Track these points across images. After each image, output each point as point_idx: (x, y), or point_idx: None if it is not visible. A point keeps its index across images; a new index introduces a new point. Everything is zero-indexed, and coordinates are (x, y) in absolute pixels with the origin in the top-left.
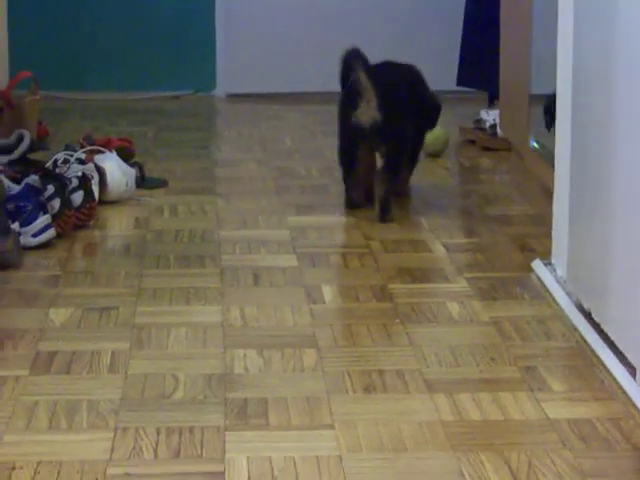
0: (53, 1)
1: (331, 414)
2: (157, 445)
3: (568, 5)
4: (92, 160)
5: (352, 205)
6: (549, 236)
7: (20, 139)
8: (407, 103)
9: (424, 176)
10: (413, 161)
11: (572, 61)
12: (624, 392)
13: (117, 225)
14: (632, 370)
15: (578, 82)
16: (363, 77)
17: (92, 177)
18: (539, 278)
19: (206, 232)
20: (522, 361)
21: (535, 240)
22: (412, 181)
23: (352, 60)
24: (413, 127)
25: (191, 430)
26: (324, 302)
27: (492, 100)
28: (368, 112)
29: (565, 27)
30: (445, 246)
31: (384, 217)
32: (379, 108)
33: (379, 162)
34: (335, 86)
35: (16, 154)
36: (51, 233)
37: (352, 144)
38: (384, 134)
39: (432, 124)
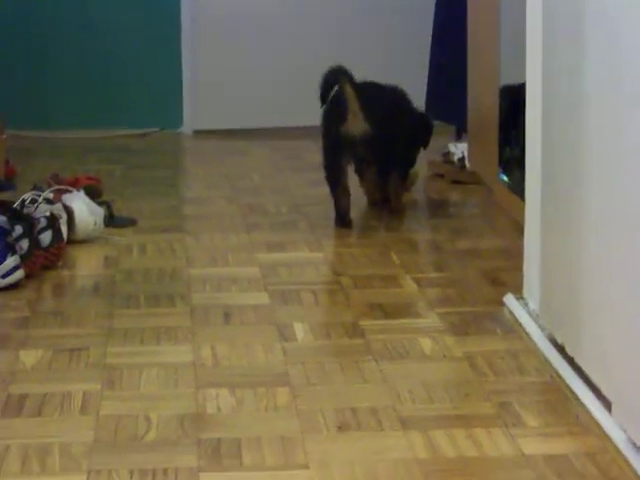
0: (18, 40)
1: (305, 453)
2: None
3: (536, 39)
4: (60, 199)
5: (343, 223)
6: (520, 269)
7: None
8: (392, 115)
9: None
10: (403, 178)
11: (541, 94)
12: (599, 426)
13: (86, 265)
14: (607, 404)
15: (547, 114)
16: (349, 90)
17: (60, 217)
18: (511, 312)
19: (176, 271)
20: (496, 397)
21: (506, 274)
22: (381, 214)
23: (336, 75)
24: (401, 141)
25: (165, 472)
26: (296, 340)
27: (460, 133)
28: (357, 124)
29: (533, 62)
30: (416, 281)
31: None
32: (367, 119)
33: (370, 173)
34: (301, 121)
35: None
36: (20, 274)
37: (338, 157)
38: (374, 145)
39: (424, 143)
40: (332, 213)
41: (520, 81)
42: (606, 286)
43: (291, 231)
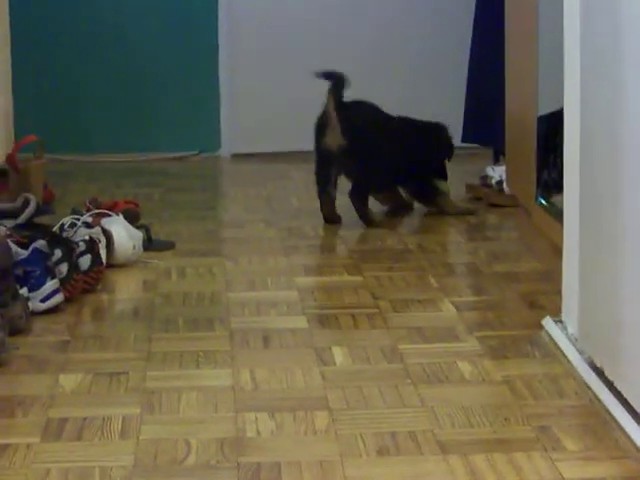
0: (57, 65)
1: (345, 478)
2: None
3: (575, 60)
4: (99, 223)
5: (327, 220)
6: (558, 293)
7: (26, 203)
8: (373, 130)
9: (431, 234)
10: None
11: (580, 116)
12: (639, 450)
13: (125, 288)
14: None
15: (586, 137)
16: (330, 106)
17: (99, 241)
18: (550, 336)
19: (214, 294)
20: (535, 420)
21: (544, 297)
22: (419, 237)
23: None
24: (389, 154)
25: None
26: (335, 364)
27: (497, 156)
28: (334, 137)
29: (572, 84)
30: (454, 305)
31: (367, 225)
32: (343, 133)
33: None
34: None
35: (22, 218)
36: (59, 298)
37: (323, 166)
38: (349, 158)
39: (446, 152)
40: (370, 236)
41: (558, 105)
42: None
43: (329, 254)
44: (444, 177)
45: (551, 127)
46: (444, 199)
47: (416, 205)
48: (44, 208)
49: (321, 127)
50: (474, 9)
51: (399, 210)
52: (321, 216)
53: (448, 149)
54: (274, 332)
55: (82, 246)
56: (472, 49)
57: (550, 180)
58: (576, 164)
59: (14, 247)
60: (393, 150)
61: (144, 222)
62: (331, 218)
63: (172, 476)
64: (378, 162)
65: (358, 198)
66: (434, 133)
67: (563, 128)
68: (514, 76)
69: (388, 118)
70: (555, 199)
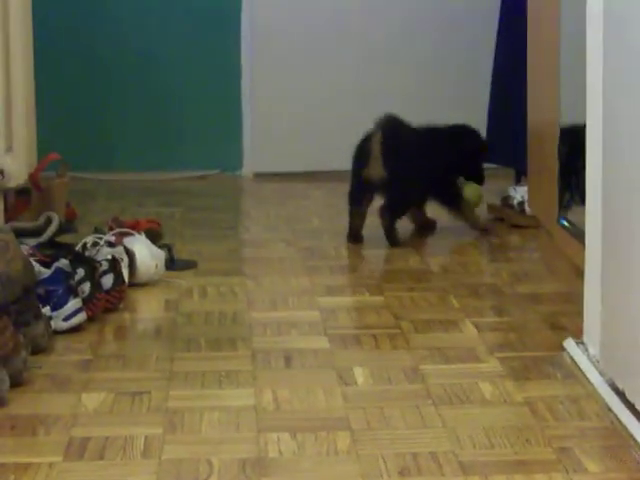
0: (79, 84)
1: None
2: None
3: (597, 80)
4: (121, 243)
5: (350, 237)
6: (580, 314)
7: (48, 222)
8: (411, 157)
9: (452, 254)
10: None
11: (602, 136)
12: None
13: (147, 308)
14: None
15: (608, 157)
16: (376, 139)
17: (122, 260)
18: (571, 357)
19: (236, 314)
20: (557, 442)
21: (566, 318)
22: (441, 258)
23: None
24: (425, 174)
25: None
26: (356, 384)
27: (519, 177)
28: (376, 169)
29: (594, 104)
30: (476, 325)
31: (393, 245)
32: (385, 165)
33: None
34: None
35: (45, 237)
36: (82, 317)
37: (360, 191)
38: (388, 187)
39: (478, 152)
40: (392, 257)
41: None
42: None
43: (351, 274)
44: (480, 181)
45: (573, 147)
46: (468, 209)
47: (439, 225)
48: (66, 227)
49: (362, 156)
50: (496, 31)
51: (424, 229)
52: (342, 235)
53: (478, 149)
54: (296, 352)
55: (104, 265)
56: (494, 70)
57: (572, 201)
58: (598, 184)
59: (37, 266)
60: (428, 168)
61: (166, 241)
62: (355, 236)
63: None
64: (415, 186)
65: (389, 217)
66: (462, 137)
67: (585, 148)
68: (536, 97)
69: (417, 134)
70: (577, 220)
